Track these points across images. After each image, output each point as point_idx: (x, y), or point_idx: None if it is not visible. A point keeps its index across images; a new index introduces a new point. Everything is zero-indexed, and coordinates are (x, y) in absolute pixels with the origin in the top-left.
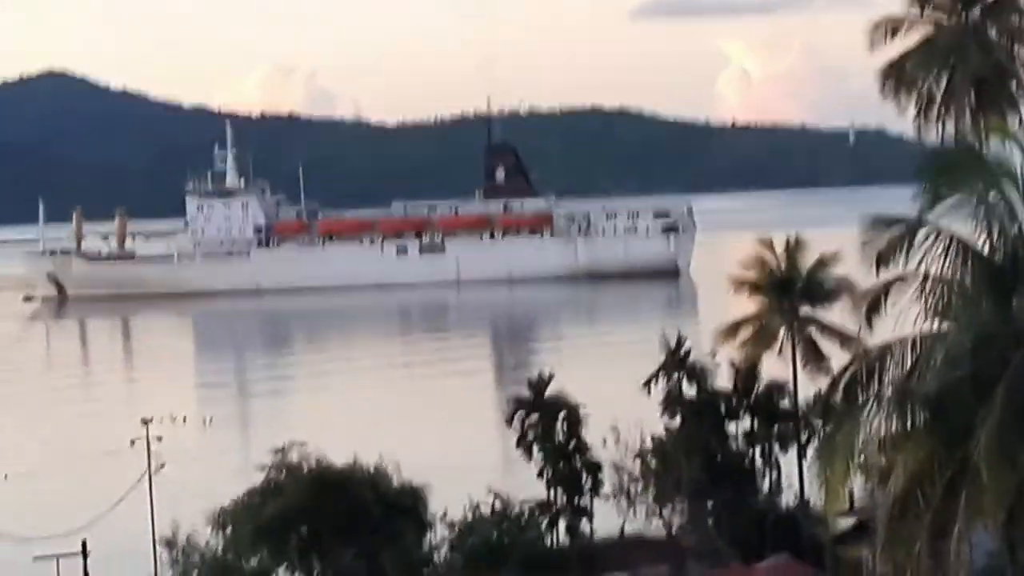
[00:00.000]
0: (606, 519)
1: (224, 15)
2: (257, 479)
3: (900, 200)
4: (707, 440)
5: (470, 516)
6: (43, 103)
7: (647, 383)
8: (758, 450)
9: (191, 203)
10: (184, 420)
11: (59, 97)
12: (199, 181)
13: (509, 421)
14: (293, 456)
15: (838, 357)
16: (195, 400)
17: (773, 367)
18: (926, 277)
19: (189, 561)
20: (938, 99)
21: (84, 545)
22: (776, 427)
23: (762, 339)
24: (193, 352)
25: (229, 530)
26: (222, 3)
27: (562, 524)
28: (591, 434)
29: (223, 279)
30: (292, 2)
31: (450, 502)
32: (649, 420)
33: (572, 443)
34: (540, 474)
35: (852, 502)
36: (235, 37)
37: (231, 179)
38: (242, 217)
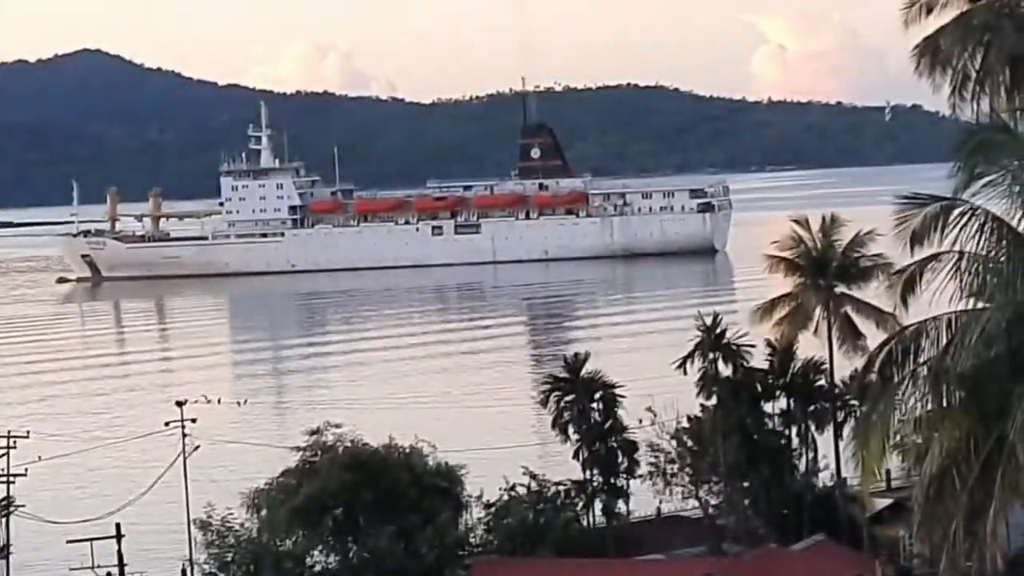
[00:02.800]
0: (642, 500)
1: None
2: (292, 460)
3: (936, 178)
4: (743, 420)
5: (506, 497)
6: (77, 82)
7: (683, 363)
8: (794, 430)
9: (226, 183)
10: (219, 401)
11: (93, 76)
12: (234, 161)
13: (544, 402)
14: (328, 437)
15: (874, 336)
16: (230, 381)
17: (809, 346)
18: (961, 255)
19: (224, 543)
20: (973, 77)
21: (118, 528)
22: (812, 407)
23: (798, 318)
24: (228, 333)
25: (264, 512)
26: None
27: (598, 505)
28: (627, 414)
29: (258, 259)
30: None
31: (486, 483)
32: (685, 400)
33: (608, 423)
34: (576, 455)
35: (889, 482)
36: (270, 15)
37: (266, 159)
38: (277, 197)
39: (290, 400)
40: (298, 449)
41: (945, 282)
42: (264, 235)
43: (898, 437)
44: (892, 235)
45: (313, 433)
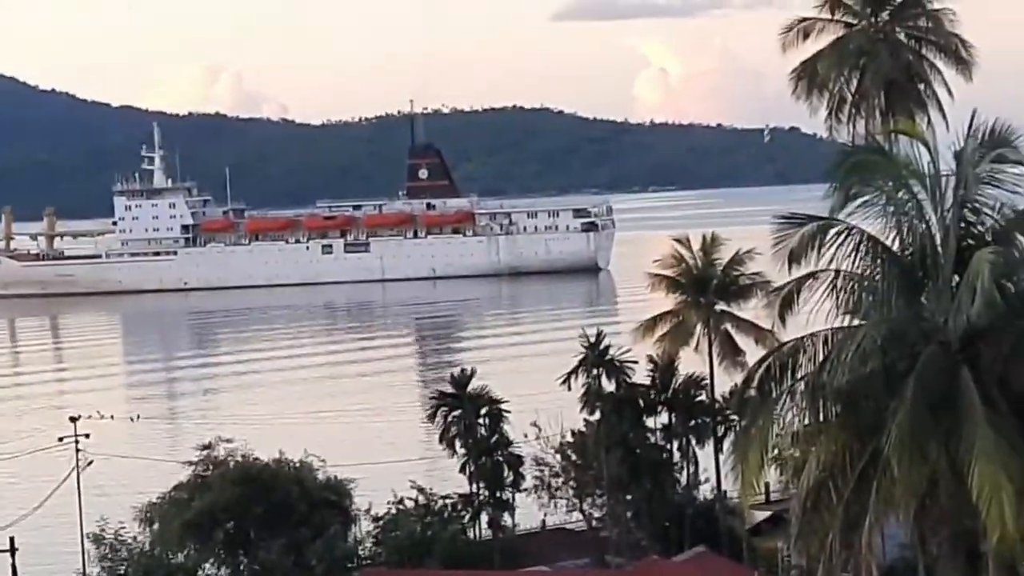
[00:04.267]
0: (527, 513)
1: (153, 16)
2: (184, 475)
3: (813, 199)
4: (626, 434)
5: (394, 510)
6: None
7: (567, 378)
8: (676, 444)
9: (119, 202)
10: (112, 417)
11: None
12: (127, 180)
13: (432, 417)
14: (220, 452)
15: (753, 352)
16: (123, 397)
17: (690, 362)
18: (837, 274)
19: (117, 556)
20: (849, 100)
21: (12, 542)
22: (694, 421)
23: (679, 335)
24: (121, 350)
25: (156, 526)
26: (150, 4)
27: (484, 518)
28: (512, 429)
29: (151, 278)
30: (220, 4)
31: (374, 497)
32: (569, 415)
33: (494, 438)
34: (462, 469)
35: (768, 495)
36: (164, 38)
37: (158, 179)
38: (169, 216)
39: (182, 416)
40: (190, 464)
41: (822, 300)
42: (157, 253)
43: (776, 451)
44: (770, 254)
45: (205, 448)
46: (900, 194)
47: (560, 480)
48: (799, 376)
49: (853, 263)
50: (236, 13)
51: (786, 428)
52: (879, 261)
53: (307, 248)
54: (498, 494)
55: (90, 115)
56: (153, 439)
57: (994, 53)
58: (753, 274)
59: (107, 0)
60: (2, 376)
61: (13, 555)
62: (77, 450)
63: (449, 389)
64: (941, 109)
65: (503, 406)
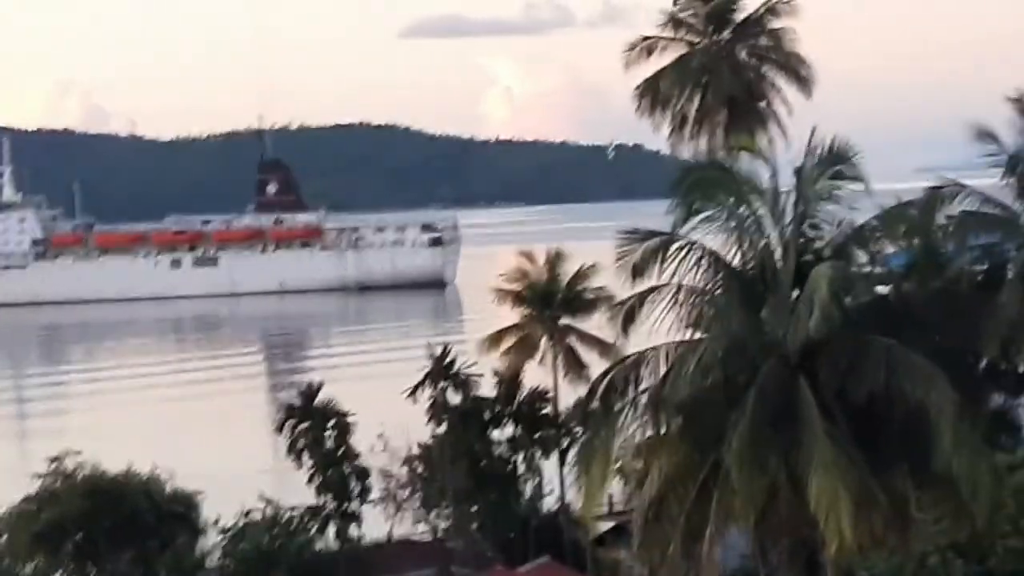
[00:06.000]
0: (374, 524)
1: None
2: (33, 487)
3: (656, 214)
4: (472, 446)
5: (241, 522)
6: None
7: (413, 391)
8: (521, 456)
9: None
10: None
11: None
12: None
13: (280, 428)
14: (68, 464)
15: (597, 366)
16: None
17: (535, 375)
18: (679, 288)
19: None
20: (691, 117)
21: None
22: (538, 433)
23: (524, 348)
24: None
25: (4, 537)
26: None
27: (331, 529)
28: (360, 441)
29: (0, 291)
30: (70, 19)
31: (222, 509)
32: (416, 427)
33: (341, 450)
34: (310, 480)
35: (611, 506)
36: (13, 52)
37: (8, 193)
38: (19, 230)
39: (31, 428)
40: (39, 476)
41: (664, 313)
42: (7, 267)
43: (619, 463)
44: (614, 268)
45: (53, 460)
46: (741, 209)
47: (407, 491)
48: (641, 388)
49: (695, 277)
50: (84, 28)
51: (629, 440)
52: (719, 275)
53: (156, 263)
54: (346, 506)
55: None
56: (1, 451)
57: (834, 71)
58: (597, 288)
59: None
60: None
61: None
62: None
63: (297, 401)
64: (781, 126)
65: (350, 419)
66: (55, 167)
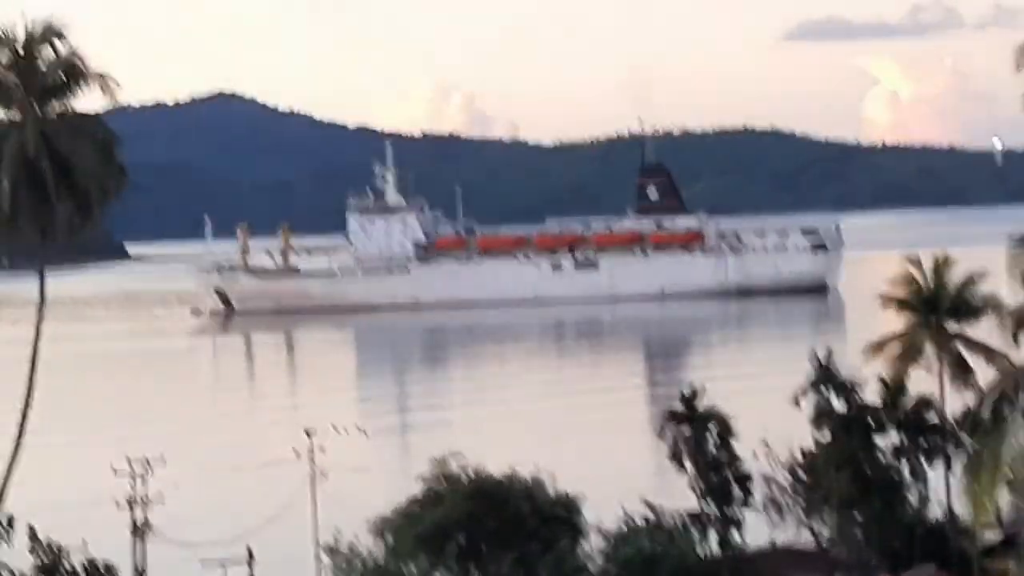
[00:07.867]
0: (756, 530)
1: (387, 39)
2: (417, 489)
3: None
4: (855, 453)
5: (623, 526)
6: (213, 123)
7: (797, 397)
8: (906, 463)
9: (352, 220)
10: (345, 431)
11: (228, 117)
12: (360, 198)
13: (661, 433)
14: (451, 466)
15: (985, 372)
16: (356, 412)
17: (921, 382)
18: None
19: (351, 567)
20: None
21: (250, 551)
22: (924, 441)
23: (909, 354)
24: (354, 365)
25: (389, 538)
26: (386, 28)
27: (713, 535)
28: (741, 446)
29: (383, 294)
30: (452, 26)
31: (604, 513)
32: (799, 433)
33: (723, 455)
34: (691, 485)
35: (1000, 516)
36: (397, 61)
37: (391, 196)
38: (402, 233)
39: (415, 430)
40: (422, 478)
41: None
42: (390, 270)
43: (1009, 473)
44: (1004, 274)
45: (437, 462)
46: None
47: (789, 498)
48: None
49: None
50: (468, 37)
51: (1019, 450)
52: None
53: (537, 266)
54: (727, 511)
55: (327, 136)
56: (386, 453)
57: None
58: (985, 295)
59: (341, 30)
60: (239, 390)
61: (251, 564)
62: (313, 463)
63: (678, 406)
64: None
65: (732, 423)
66: (438, 171)
